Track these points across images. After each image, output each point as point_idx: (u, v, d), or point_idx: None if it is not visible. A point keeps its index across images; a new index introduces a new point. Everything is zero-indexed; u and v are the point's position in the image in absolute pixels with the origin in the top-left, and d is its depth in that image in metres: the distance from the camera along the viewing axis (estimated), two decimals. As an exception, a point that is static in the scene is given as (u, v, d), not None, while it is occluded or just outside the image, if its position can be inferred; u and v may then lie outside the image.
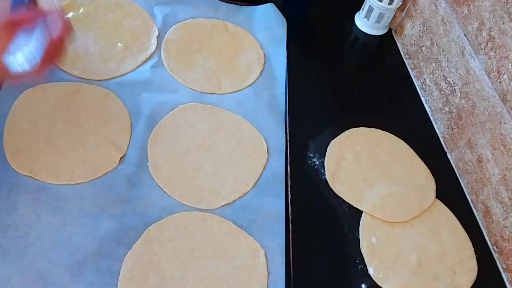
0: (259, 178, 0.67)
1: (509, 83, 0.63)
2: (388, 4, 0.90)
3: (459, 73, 0.75)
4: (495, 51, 0.66)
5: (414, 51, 0.89)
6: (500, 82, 0.65)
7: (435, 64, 0.82)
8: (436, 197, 0.70)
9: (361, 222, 0.65)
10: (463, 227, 0.68)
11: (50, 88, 0.70)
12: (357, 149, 0.74)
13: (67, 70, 0.73)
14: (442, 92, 0.80)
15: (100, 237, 0.57)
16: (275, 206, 0.64)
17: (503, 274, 0.65)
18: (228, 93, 0.78)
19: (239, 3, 0.92)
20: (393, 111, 0.83)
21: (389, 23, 0.97)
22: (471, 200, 0.73)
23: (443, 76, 0.79)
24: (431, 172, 0.73)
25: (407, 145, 0.76)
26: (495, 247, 0.67)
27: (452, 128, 0.77)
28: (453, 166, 0.77)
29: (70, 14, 0.79)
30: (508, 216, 0.64)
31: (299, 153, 0.72)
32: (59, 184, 0.60)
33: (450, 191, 0.72)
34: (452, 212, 0.69)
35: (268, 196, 0.65)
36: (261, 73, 0.82)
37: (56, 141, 0.64)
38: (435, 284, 0.61)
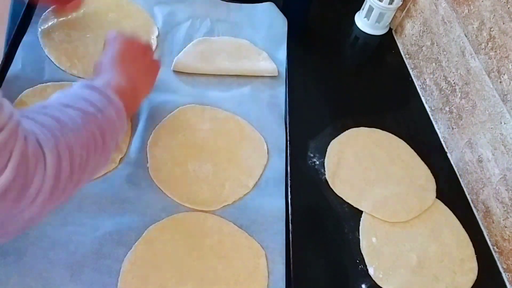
0: (259, 178, 0.67)
1: (510, 83, 0.63)
2: (388, 4, 0.90)
3: (460, 73, 0.75)
4: (496, 51, 0.66)
5: (414, 51, 0.89)
6: (500, 82, 0.65)
7: (435, 64, 0.82)
8: (436, 197, 0.70)
9: (361, 222, 0.65)
10: (463, 227, 0.68)
11: (49, 88, 0.69)
12: (357, 149, 0.74)
13: (67, 70, 0.72)
14: (442, 92, 0.80)
15: (100, 237, 0.57)
16: (275, 206, 0.64)
17: (503, 274, 0.65)
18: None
19: (239, 3, 0.92)
20: (393, 111, 0.83)
21: (389, 23, 0.97)
22: (471, 200, 0.72)
23: (444, 76, 0.79)
24: (431, 172, 0.73)
25: (407, 145, 0.76)
26: (495, 247, 0.67)
27: (453, 128, 0.77)
28: (453, 166, 0.77)
29: (70, 15, 0.78)
30: (509, 216, 0.64)
31: (299, 153, 0.72)
32: (59, 184, 0.60)
33: (450, 191, 0.72)
34: (452, 212, 0.69)
35: (268, 197, 0.65)
36: (261, 73, 0.82)
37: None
38: (435, 284, 0.61)
